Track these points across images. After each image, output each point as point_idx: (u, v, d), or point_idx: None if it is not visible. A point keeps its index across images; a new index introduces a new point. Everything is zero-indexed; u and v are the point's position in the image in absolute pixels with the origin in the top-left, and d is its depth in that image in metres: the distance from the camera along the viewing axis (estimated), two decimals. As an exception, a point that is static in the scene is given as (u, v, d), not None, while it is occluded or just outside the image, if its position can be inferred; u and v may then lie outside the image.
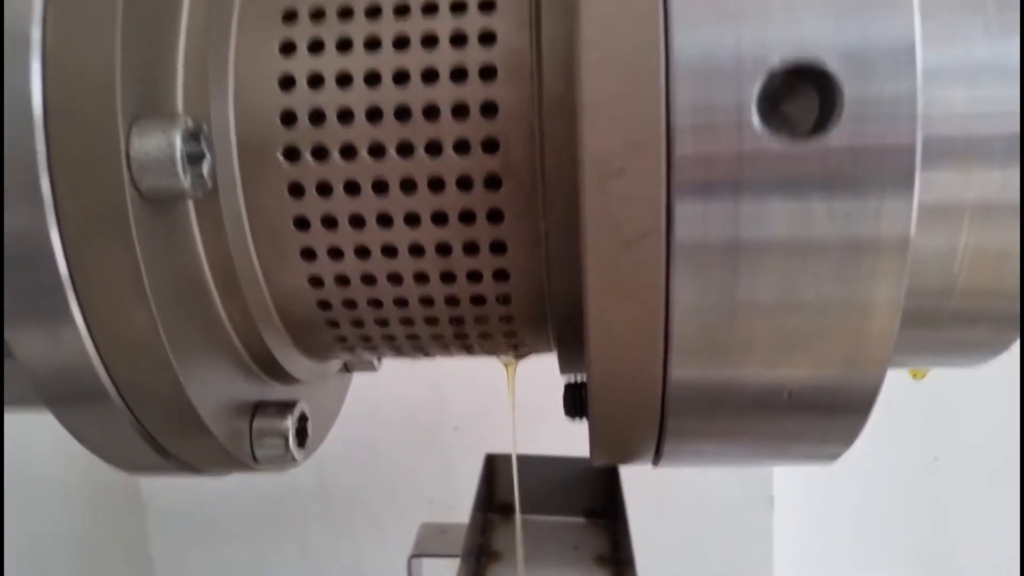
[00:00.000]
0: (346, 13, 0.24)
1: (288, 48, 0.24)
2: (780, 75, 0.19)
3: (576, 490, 0.66)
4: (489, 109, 0.23)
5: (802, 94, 0.20)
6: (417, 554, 0.61)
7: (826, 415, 0.23)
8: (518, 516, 0.60)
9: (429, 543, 0.66)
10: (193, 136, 0.22)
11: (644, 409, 0.23)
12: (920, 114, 0.19)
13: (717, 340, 0.21)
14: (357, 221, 0.25)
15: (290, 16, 0.25)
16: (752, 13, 0.19)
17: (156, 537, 0.89)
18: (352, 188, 0.24)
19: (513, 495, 0.65)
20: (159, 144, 0.21)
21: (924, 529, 1.17)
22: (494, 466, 0.63)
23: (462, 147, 0.24)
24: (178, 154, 0.21)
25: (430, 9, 0.24)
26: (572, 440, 0.31)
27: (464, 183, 0.24)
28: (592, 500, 0.63)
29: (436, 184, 0.24)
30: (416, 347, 0.29)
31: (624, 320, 0.21)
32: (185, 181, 0.21)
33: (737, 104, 0.19)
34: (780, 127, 0.20)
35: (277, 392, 0.29)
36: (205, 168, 0.22)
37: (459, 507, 0.62)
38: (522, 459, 0.54)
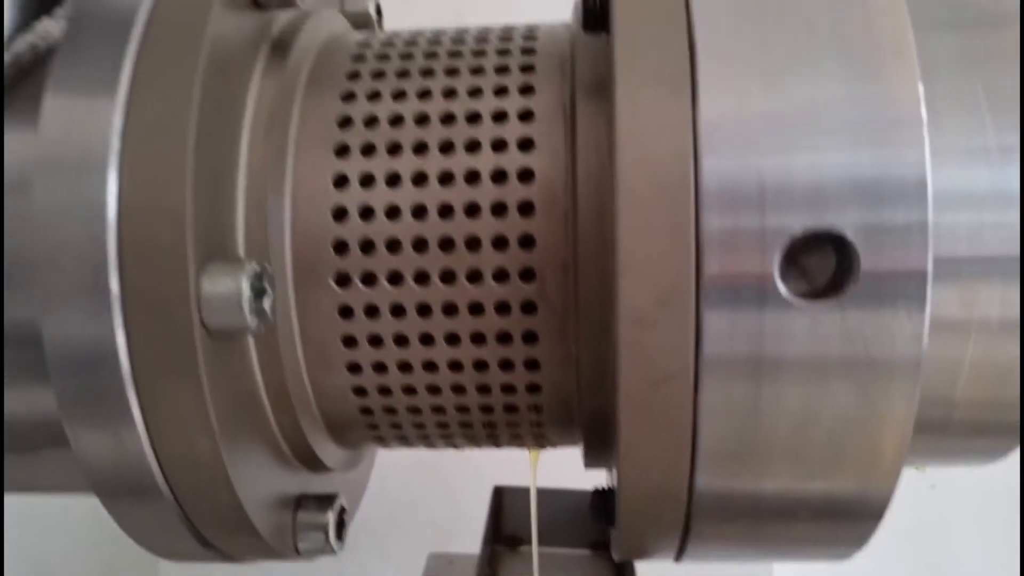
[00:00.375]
0: (395, 149, 0.26)
1: (341, 181, 0.26)
2: (801, 237, 0.21)
3: (582, 522, 0.67)
4: (527, 242, 0.25)
5: (820, 250, 0.22)
6: (426, 585, 0.63)
7: (841, 522, 0.25)
8: (535, 551, 0.62)
9: (438, 573, 0.68)
10: (257, 277, 0.23)
11: (669, 522, 0.25)
12: (930, 280, 0.21)
13: (740, 460, 0.23)
14: (401, 340, 0.26)
15: (342, 151, 0.27)
16: (776, 188, 0.21)
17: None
18: (398, 311, 0.26)
19: (520, 527, 0.67)
20: (228, 288, 0.23)
21: (924, 552, 1.19)
22: (502, 498, 0.65)
23: (501, 276, 0.25)
24: (245, 297, 0.23)
25: (473, 147, 0.26)
26: (577, 471, 0.33)
27: (502, 308, 0.26)
28: (598, 532, 0.65)
29: (476, 308, 0.26)
30: (448, 442, 0.31)
31: (653, 448, 0.23)
32: (251, 320, 0.23)
33: (760, 270, 0.21)
34: (799, 278, 0.22)
35: (315, 483, 0.31)
36: (267, 304, 0.24)
37: (461, 532, 0.63)
38: (528, 491, 0.56)
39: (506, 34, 0.30)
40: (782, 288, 0.21)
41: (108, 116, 0.24)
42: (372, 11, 0.36)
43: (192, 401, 0.23)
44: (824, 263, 0.22)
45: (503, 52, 0.28)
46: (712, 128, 0.21)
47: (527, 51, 0.28)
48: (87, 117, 0.24)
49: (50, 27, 0.28)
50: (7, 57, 0.27)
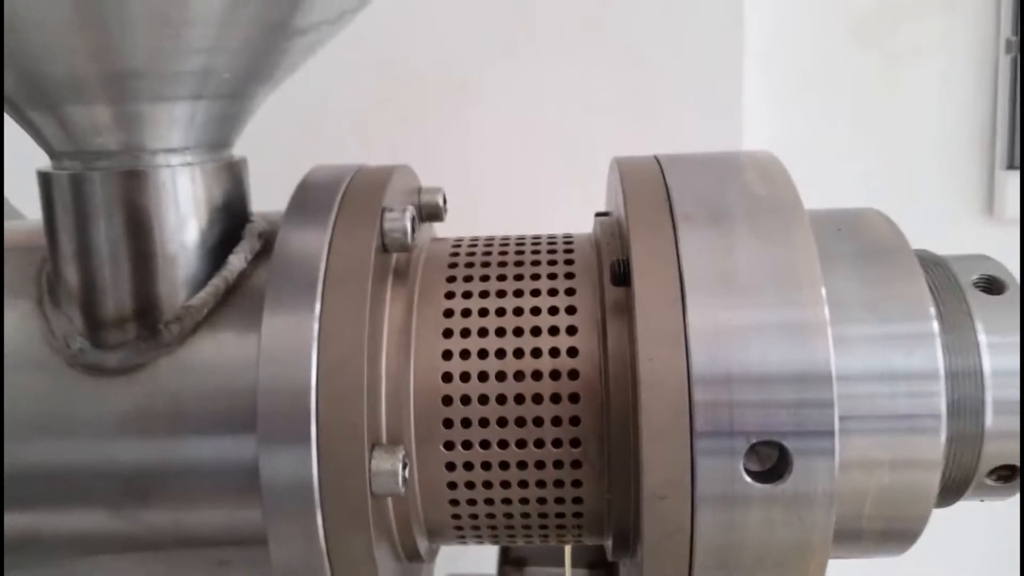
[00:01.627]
0: (483, 332, 0.38)
1: (447, 355, 0.38)
2: (757, 442, 0.34)
3: (579, 547, 0.80)
4: (575, 421, 0.38)
5: (768, 447, 0.34)
6: (449, 603, 0.75)
7: None
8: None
9: None
10: (403, 458, 0.36)
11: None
12: (838, 462, 0.34)
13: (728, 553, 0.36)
14: (487, 485, 0.39)
15: (447, 334, 0.39)
16: (742, 411, 0.34)
17: None
18: (486, 466, 0.39)
19: (525, 551, 0.81)
20: (389, 468, 0.35)
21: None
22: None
23: (556, 443, 0.38)
24: (400, 473, 0.35)
25: (536, 353, 0.38)
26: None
27: (557, 464, 0.38)
28: (592, 553, 0.78)
29: (539, 465, 0.38)
30: (512, 542, 0.43)
31: (665, 569, 0.36)
32: (402, 488, 0.35)
33: (731, 462, 0.34)
34: (755, 461, 0.34)
35: (414, 570, 0.43)
36: (407, 473, 0.36)
37: (465, 554, 0.75)
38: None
39: (551, 246, 0.42)
40: (745, 476, 0.34)
41: (309, 331, 0.36)
42: (440, 202, 0.48)
43: (361, 543, 0.36)
44: (771, 453, 0.35)
45: (551, 263, 0.41)
46: (700, 369, 0.34)
47: (568, 275, 0.40)
48: (294, 331, 0.36)
49: (235, 263, 0.39)
50: (214, 285, 0.39)
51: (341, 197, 0.39)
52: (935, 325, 0.37)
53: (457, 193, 0.54)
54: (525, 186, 1.07)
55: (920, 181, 1.20)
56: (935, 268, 0.40)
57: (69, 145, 0.37)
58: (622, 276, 0.37)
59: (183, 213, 0.38)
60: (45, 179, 0.38)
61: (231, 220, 0.40)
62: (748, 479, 0.34)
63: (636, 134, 1.05)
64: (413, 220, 0.39)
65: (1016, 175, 1.15)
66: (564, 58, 1.06)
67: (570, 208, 0.42)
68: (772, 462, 0.35)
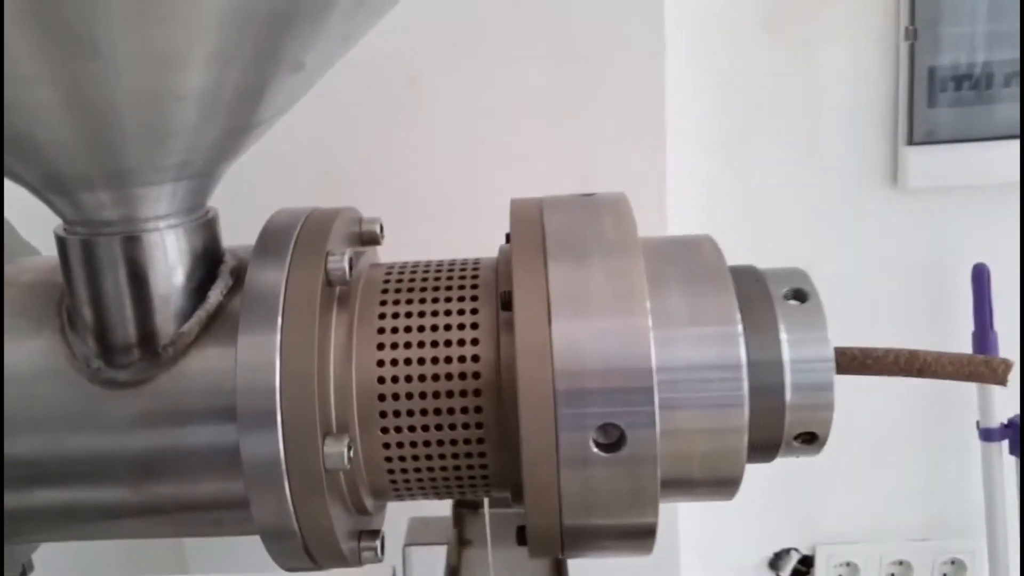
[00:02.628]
0: (408, 344, 0.51)
1: (380, 363, 0.51)
2: (603, 422, 0.47)
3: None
4: (478, 410, 0.50)
5: (611, 425, 0.47)
6: (409, 543, 0.83)
7: (628, 539, 0.52)
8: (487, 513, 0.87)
9: (418, 534, 0.93)
10: (349, 442, 0.48)
11: (554, 541, 0.51)
12: (659, 433, 0.46)
13: (581, 510, 0.49)
14: (415, 459, 0.52)
15: (380, 347, 0.51)
16: (591, 399, 0.46)
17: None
18: (413, 444, 0.51)
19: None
20: (337, 451, 0.48)
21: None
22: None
23: (466, 426, 0.51)
24: (345, 453, 0.48)
25: (448, 360, 0.51)
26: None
27: (467, 442, 0.51)
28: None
29: (452, 442, 0.51)
30: (439, 497, 0.56)
31: (543, 508, 0.49)
32: (347, 465, 0.48)
33: (583, 437, 0.47)
34: (602, 435, 0.47)
35: (365, 522, 0.56)
36: (351, 452, 0.49)
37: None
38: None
39: (462, 272, 0.54)
40: (594, 448, 0.47)
41: (273, 348, 0.48)
42: (378, 230, 0.60)
43: (320, 505, 0.48)
44: (613, 430, 0.47)
45: (461, 287, 0.53)
46: (560, 368, 0.47)
47: (474, 297, 0.53)
48: (262, 348, 0.48)
49: (213, 297, 0.51)
50: (199, 316, 0.51)
51: (295, 242, 0.51)
52: (739, 328, 0.50)
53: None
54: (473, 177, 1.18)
55: (833, 157, 1.32)
56: (754, 282, 0.53)
57: (79, 217, 0.48)
58: (507, 303, 0.49)
59: (171, 263, 0.50)
60: (61, 241, 0.49)
61: (209, 262, 0.52)
62: (596, 450, 0.47)
63: (572, 131, 1.16)
64: (351, 261, 0.51)
65: (916, 149, 1.27)
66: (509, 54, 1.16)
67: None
68: (615, 437, 0.47)
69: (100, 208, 0.47)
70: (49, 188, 0.47)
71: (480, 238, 0.66)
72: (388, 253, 0.62)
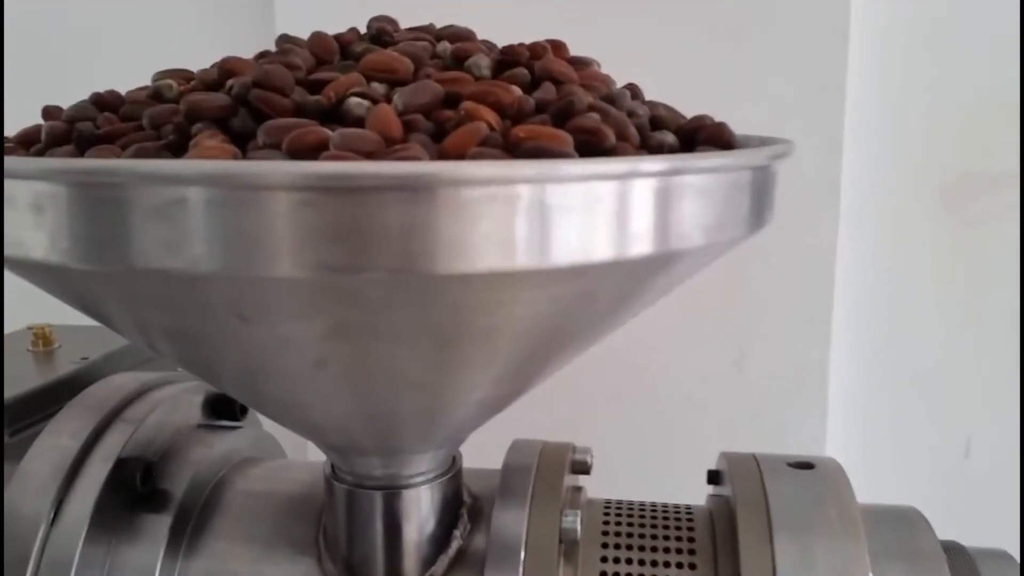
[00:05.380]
0: None
1: None
2: None
3: None
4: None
5: None
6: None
7: None
8: None
9: None
10: None
11: None
12: None
13: None
14: None
15: None
16: None
17: None
18: None
19: None
20: None
21: None
22: None
23: None
24: None
25: None
26: None
27: None
28: None
29: None
30: None
31: None
32: None
33: None
34: None
35: None
36: None
37: None
38: None
39: (677, 521, 0.58)
40: None
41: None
42: (588, 460, 0.64)
43: None
44: None
45: (678, 539, 0.56)
46: None
47: (691, 551, 0.56)
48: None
49: (455, 545, 0.56)
50: (444, 559, 0.56)
51: (531, 493, 0.56)
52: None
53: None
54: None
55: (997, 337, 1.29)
56: (964, 564, 0.54)
57: (348, 469, 0.54)
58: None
59: (424, 515, 0.55)
60: (329, 483, 0.56)
61: (453, 507, 0.57)
62: None
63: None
64: (581, 522, 0.55)
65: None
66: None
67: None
68: None
69: (369, 467, 0.53)
70: (328, 450, 0.54)
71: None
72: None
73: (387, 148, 0.34)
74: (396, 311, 0.36)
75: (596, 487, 0.64)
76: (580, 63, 0.45)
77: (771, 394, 1.17)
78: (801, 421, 1.17)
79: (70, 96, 0.48)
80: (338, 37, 0.45)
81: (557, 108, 0.38)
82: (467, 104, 0.36)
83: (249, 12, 1.16)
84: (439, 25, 0.51)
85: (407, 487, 0.54)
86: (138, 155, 0.37)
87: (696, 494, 0.64)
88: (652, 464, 1.10)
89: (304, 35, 0.49)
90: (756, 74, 1.11)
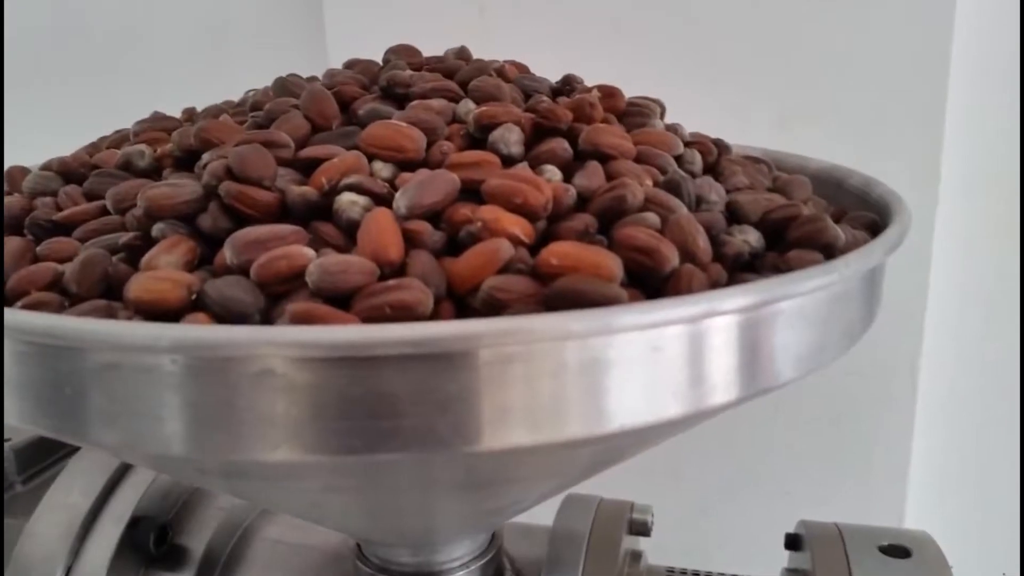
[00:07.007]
0: None
1: None
2: None
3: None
4: None
5: None
6: None
7: None
8: None
9: None
10: None
11: None
12: None
13: None
14: None
15: None
16: None
17: None
18: None
19: None
20: None
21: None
22: None
23: None
24: None
25: None
26: None
27: None
28: None
29: None
30: None
31: None
32: None
33: None
34: None
35: None
36: None
37: None
38: None
39: None
40: None
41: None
42: (648, 520, 0.57)
43: None
44: None
45: None
46: None
47: None
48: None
49: None
50: None
51: (584, 561, 0.50)
52: None
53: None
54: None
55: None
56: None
57: (376, 557, 0.49)
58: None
59: (460, 601, 0.49)
60: (355, 567, 0.50)
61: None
62: None
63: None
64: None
65: None
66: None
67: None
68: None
69: (396, 555, 0.48)
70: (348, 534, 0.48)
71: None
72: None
73: (378, 283, 0.26)
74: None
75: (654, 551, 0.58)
76: (637, 115, 0.36)
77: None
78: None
79: (120, 119, 0.45)
80: (339, 92, 0.36)
81: (603, 206, 0.29)
82: (487, 212, 0.27)
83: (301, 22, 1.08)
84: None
85: (441, 573, 0.48)
86: (87, 313, 0.29)
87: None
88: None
89: (352, 52, 0.43)
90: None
